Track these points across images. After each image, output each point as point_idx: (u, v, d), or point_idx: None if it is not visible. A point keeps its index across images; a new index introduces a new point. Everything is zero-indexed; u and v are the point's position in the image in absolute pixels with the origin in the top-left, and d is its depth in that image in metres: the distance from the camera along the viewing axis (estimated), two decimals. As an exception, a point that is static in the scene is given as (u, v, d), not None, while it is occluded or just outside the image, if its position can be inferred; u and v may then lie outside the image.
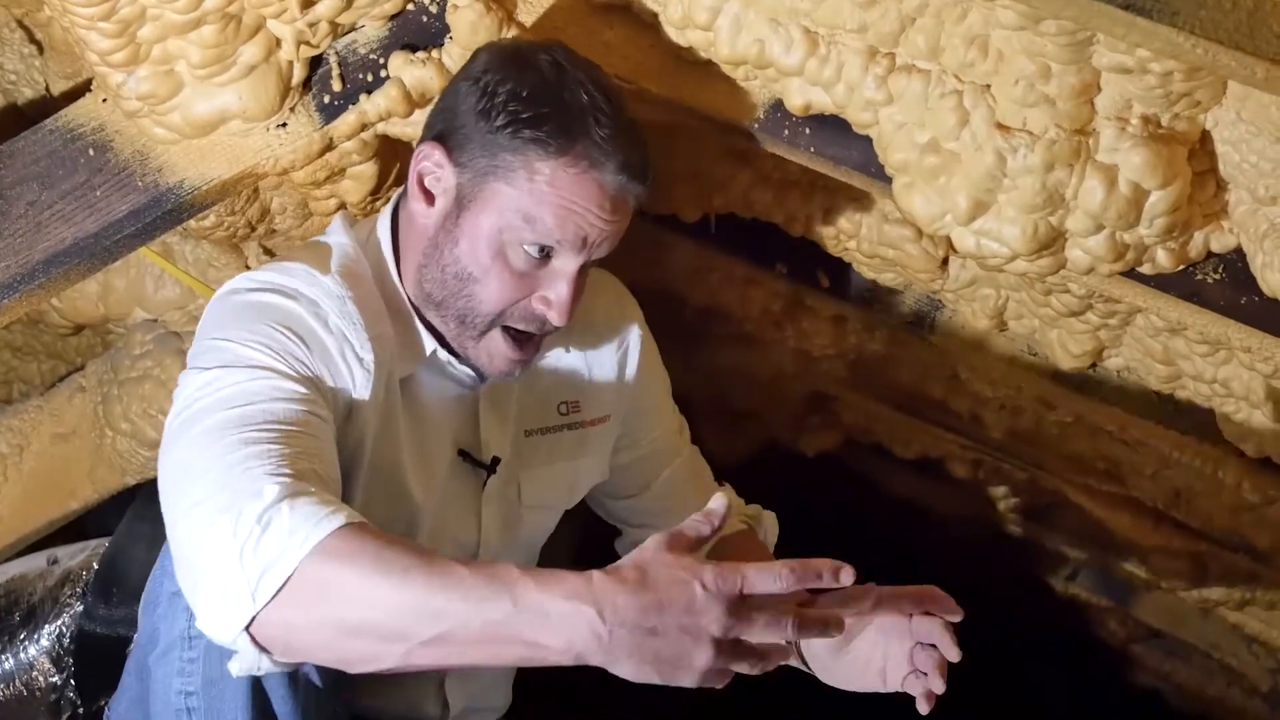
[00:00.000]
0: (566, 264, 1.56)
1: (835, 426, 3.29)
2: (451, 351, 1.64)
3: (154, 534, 2.16)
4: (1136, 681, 4.04)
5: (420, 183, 1.59)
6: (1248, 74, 1.22)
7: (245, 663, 1.31)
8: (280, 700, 1.47)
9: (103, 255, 1.71)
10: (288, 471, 1.33)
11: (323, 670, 1.49)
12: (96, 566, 2.18)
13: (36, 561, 2.25)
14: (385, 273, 1.63)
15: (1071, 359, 2.18)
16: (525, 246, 1.54)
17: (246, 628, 1.27)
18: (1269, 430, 2.07)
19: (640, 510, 1.94)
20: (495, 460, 1.72)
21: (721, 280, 2.58)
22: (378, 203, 1.93)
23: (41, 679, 2.19)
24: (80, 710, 2.17)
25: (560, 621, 1.22)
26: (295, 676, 1.47)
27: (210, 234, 1.98)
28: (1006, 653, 3.98)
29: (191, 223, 1.86)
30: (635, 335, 1.83)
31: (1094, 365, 2.22)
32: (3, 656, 2.19)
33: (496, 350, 1.60)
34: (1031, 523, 3.49)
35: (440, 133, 1.58)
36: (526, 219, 1.53)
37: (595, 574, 1.25)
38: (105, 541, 2.21)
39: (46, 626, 2.18)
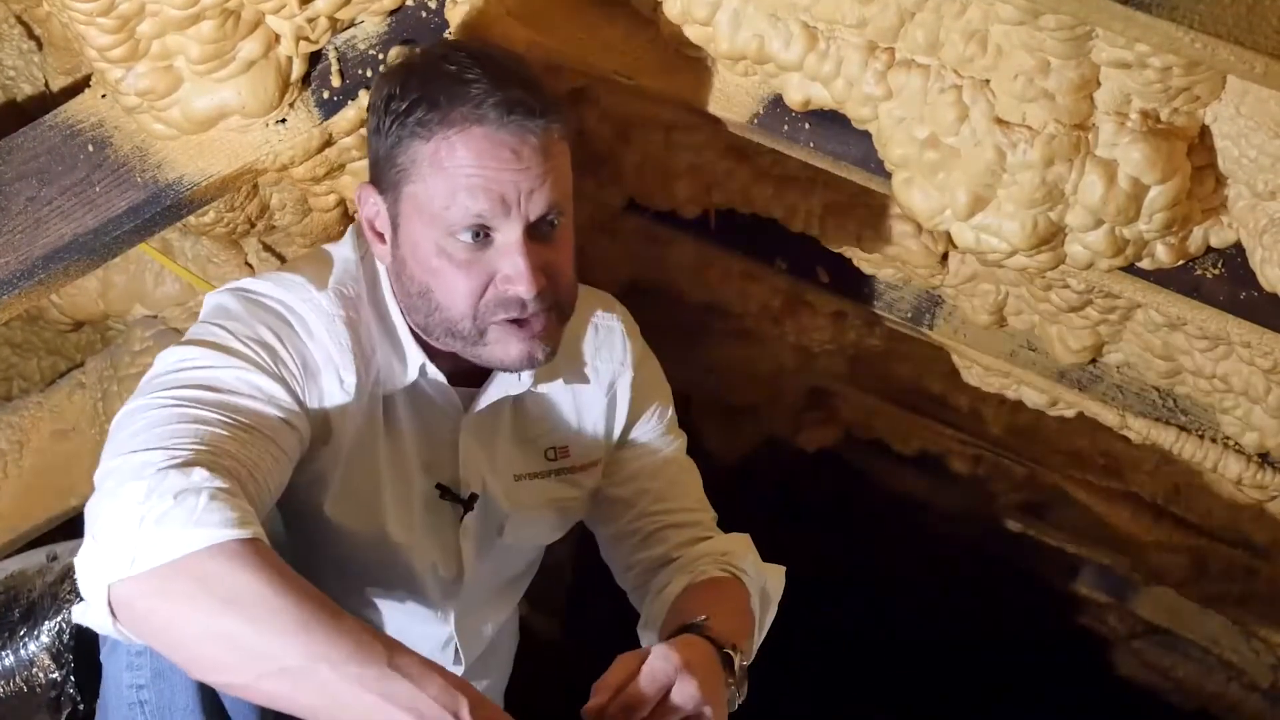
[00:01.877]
0: (507, 234, 1.51)
1: (834, 422, 3.29)
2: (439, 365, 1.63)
3: (153, 530, 2.16)
4: (1136, 677, 4.05)
5: (371, 228, 1.59)
6: (1246, 69, 1.22)
7: (90, 617, 1.30)
8: None
9: (102, 251, 1.71)
10: (225, 466, 1.33)
11: None
12: (96, 563, 2.18)
13: (36, 558, 2.24)
14: (379, 290, 1.62)
15: (1071, 354, 2.18)
16: (457, 236, 1.51)
17: (110, 585, 1.26)
18: (1268, 425, 2.07)
19: (616, 538, 1.86)
20: (473, 497, 1.71)
21: (721, 276, 2.58)
22: (377, 198, 1.93)
23: (41, 675, 2.18)
24: (80, 707, 2.17)
25: (422, 701, 1.24)
26: None
27: (210, 230, 1.98)
28: (1006, 648, 3.99)
29: (191, 219, 1.86)
30: (628, 377, 1.78)
31: (1093, 361, 2.22)
32: (2, 653, 2.18)
33: (503, 342, 1.55)
34: (1031, 518, 3.49)
35: (370, 175, 1.59)
36: (442, 207, 1.50)
37: (469, 687, 1.29)
38: (105, 538, 2.21)
39: (46, 623, 2.18)
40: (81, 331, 2.47)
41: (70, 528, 2.32)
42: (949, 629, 4.07)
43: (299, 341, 1.52)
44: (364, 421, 1.59)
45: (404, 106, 1.51)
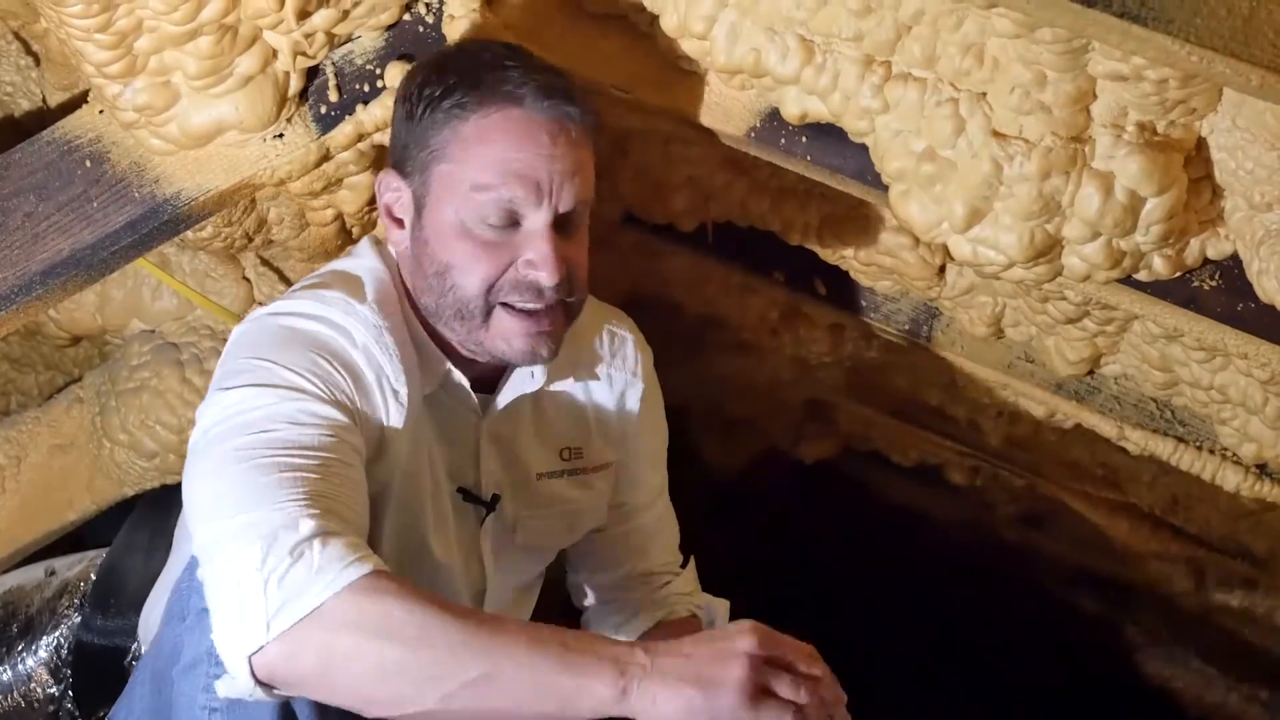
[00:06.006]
0: (535, 220, 1.52)
1: (833, 434, 3.29)
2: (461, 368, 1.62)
3: (151, 545, 2.17)
4: (1136, 687, 4.04)
5: (389, 214, 1.59)
6: (1243, 81, 1.23)
7: (237, 688, 1.30)
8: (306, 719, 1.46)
9: (100, 266, 1.71)
10: (318, 509, 1.33)
11: None
12: (94, 577, 2.17)
13: (34, 573, 2.24)
14: (407, 299, 1.62)
15: (1069, 366, 2.18)
16: (486, 219, 1.51)
17: (251, 655, 1.27)
18: (1266, 436, 2.07)
19: (591, 553, 1.92)
20: (495, 498, 1.71)
21: (719, 288, 2.58)
22: (374, 213, 1.93)
23: (40, 690, 2.18)
24: (78, 721, 2.16)
25: (608, 664, 1.25)
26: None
27: (207, 245, 1.98)
28: (1005, 659, 3.98)
29: (188, 234, 1.86)
30: (639, 388, 1.81)
31: (1091, 372, 2.23)
32: (1, 668, 2.18)
33: (508, 330, 1.56)
34: (1029, 529, 3.49)
35: (392, 161, 1.59)
36: (474, 187, 1.51)
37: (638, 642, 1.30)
38: (103, 552, 2.21)
39: (44, 638, 2.18)
40: (79, 346, 2.47)
41: (68, 542, 2.32)
42: (948, 639, 4.06)
43: (347, 358, 1.51)
44: (414, 432, 1.58)
45: (440, 91, 1.52)
